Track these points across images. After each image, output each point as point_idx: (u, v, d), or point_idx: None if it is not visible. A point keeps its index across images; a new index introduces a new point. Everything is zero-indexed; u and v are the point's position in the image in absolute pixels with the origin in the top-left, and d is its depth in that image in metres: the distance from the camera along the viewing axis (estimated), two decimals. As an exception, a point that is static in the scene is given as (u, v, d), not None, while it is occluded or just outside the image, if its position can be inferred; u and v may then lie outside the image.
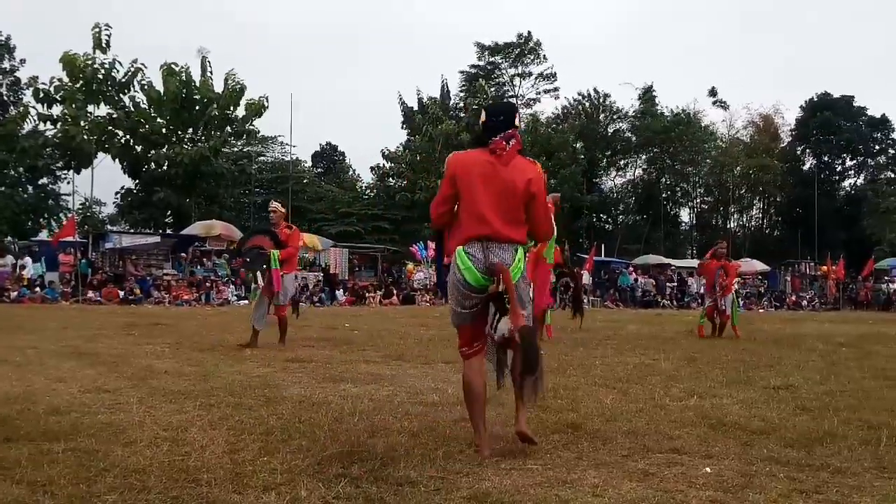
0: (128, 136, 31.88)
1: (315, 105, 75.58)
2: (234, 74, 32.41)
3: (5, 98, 36.19)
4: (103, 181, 51.26)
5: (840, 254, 37.28)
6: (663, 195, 49.65)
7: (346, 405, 5.22)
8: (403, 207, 38.88)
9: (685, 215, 53.42)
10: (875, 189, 47.67)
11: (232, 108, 32.71)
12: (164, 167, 31.93)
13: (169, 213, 34.41)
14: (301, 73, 78.20)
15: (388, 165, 41.55)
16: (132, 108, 31.58)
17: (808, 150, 50.64)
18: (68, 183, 34.14)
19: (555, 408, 5.30)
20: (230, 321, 9.85)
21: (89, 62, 29.88)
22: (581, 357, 8.76)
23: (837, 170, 50.62)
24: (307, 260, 29.81)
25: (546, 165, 40.65)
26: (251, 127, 34.48)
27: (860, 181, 51.00)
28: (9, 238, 28.62)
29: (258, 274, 9.42)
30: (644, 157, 49.94)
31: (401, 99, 44.49)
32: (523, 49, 48.75)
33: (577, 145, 43.26)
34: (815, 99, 49.35)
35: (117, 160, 31.97)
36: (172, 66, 31.56)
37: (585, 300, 25.60)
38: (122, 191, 35.45)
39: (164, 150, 31.76)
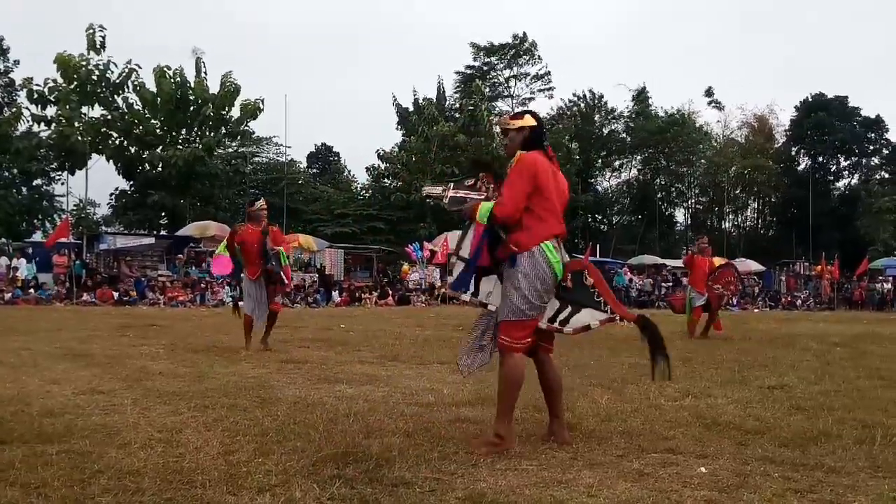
0: (122, 138, 31.82)
1: (310, 106, 75.58)
2: (230, 74, 32.43)
3: (-1, 99, 36.13)
4: (98, 182, 51.21)
5: (835, 254, 37.35)
6: (658, 195, 49.74)
7: (342, 406, 5.21)
8: (399, 208, 38.86)
9: (680, 216, 53.61)
10: (868, 189, 47.80)
11: (227, 109, 32.69)
12: (159, 168, 31.87)
13: (163, 214, 34.37)
14: (296, 73, 78.23)
15: (383, 166, 41.55)
16: (126, 110, 31.53)
17: (802, 151, 50.73)
18: (62, 184, 34.18)
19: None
20: (225, 322, 9.84)
21: (83, 63, 29.83)
22: (576, 357, 8.75)
23: (832, 170, 50.75)
24: (302, 261, 29.80)
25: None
26: (246, 128, 34.49)
27: (854, 181, 51.16)
28: (3, 239, 28.55)
29: (282, 274, 9.42)
30: (639, 157, 50.06)
31: (395, 100, 44.57)
32: (518, 50, 48.80)
33: (573, 145, 43.26)
34: (810, 99, 49.47)
35: (111, 161, 31.93)
36: (165, 68, 31.54)
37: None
38: (117, 192, 35.39)
39: (159, 150, 31.72)
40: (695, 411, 5.26)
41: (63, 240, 23.61)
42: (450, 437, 4.31)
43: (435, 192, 4.39)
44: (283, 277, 9.37)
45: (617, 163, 50.27)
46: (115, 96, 31.24)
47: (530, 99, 50.02)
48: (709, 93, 51.77)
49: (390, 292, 28.33)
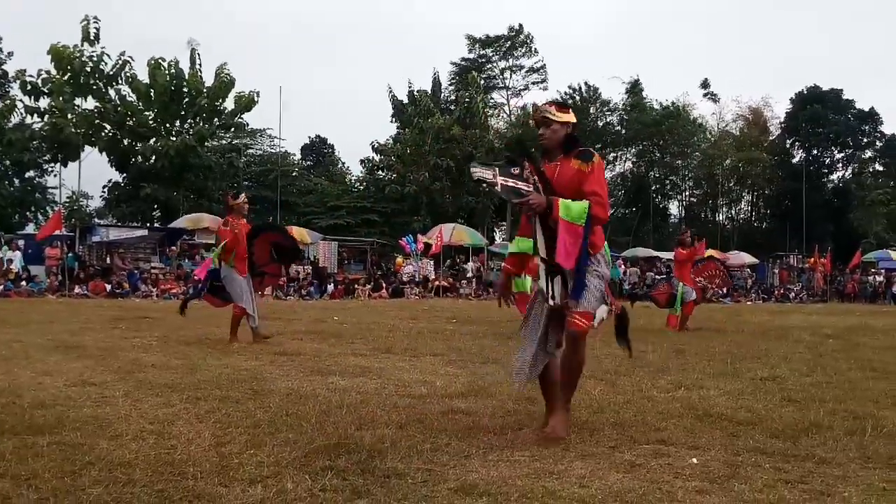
0: (115, 130, 31.69)
1: (305, 98, 75.28)
2: (225, 66, 32.30)
3: (-8, 90, 35.92)
4: (91, 174, 51.07)
5: (828, 246, 37.45)
6: (652, 188, 49.75)
7: (334, 398, 5.21)
8: (393, 200, 38.82)
9: (674, 208, 53.62)
10: (860, 182, 47.91)
11: (221, 101, 32.57)
12: (152, 160, 31.75)
13: (156, 206, 34.25)
14: (291, 65, 77.95)
15: (377, 158, 41.46)
16: (119, 102, 31.40)
17: (797, 143, 50.78)
18: (55, 176, 34.02)
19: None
20: (218, 315, 9.82)
21: (77, 55, 29.68)
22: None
23: (826, 163, 50.83)
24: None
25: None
26: (240, 120, 34.37)
27: (848, 174, 51.26)
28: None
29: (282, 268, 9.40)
30: (633, 150, 50.02)
31: (391, 92, 44.46)
32: (514, 42, 48.73)
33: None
34: (805, 92, 49.51)
35: (105, 153, 31.80)
36: (160, 60, 31.41)
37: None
38: (110, 184, 35.26)
39: (152, 142, 31.60)
40: (687, 403, 5.27)
41: (56, 232, 23.51)
42: (442, 428, 4.31)
43: (486, 176, 4.08)
44: (282, 270, 9.34)
45: (611, 155, 50.23)
46: (109, 88, 31.08)
47: (525, 89, 50.06)
48: (705, 85, 51.79)
49: (384, 285, 28.32)
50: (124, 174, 33.53)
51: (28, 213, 35.35)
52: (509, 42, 48.76)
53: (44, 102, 30.09)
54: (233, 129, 36.33)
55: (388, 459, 3.60)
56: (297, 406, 4.87)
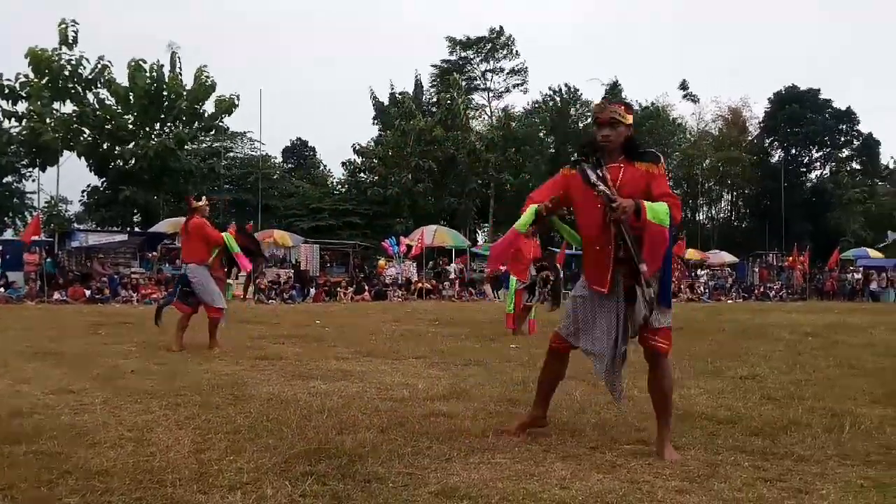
0: (94, 134, 31.43)
1: (285, 100, 75.09)
2: (205, 68, 32.12)
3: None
4: (70, 179, 50.62)
5: (807, 245, 37.81)
6: (633, 188, 49.91)
7: (315, 402, 5.19)
8: (375, 202, 38.75)
9: (655, 208, 53.76)
10: (837, 181, 48.41)
11: (201, 104, 32.39)
12: (131, 163, 31.52)
13: (136, 210, 34.00)
14: (271, 67, 77.67)
15: (359, 160, 41.40)
16: (98, 106, 31.14)
17: (776, 143, 51.22)
18: (33, 181, 33.69)
19: (524, 401, 5.31)
20: (199, 319, 9.72)
21: (56, 58, 29.42)
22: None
23: (804, 162, 51.30)
24: (278, 256, 29.62)
25: (515, 158, 40.87)
26: (220, 123, 34.19)
27: (826, 173, 51.76)
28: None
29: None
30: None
31: (373, 94, 44.40)
32: (495, 44, 48.79)
33: (549, 139, 43.31)
34: (783, 92, 49.94)
35: (83, 158, 31.53)
36: (140, 62, 31.19)
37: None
38: (89, 188, 34.97)
39: (132, 146, 31.37)
40: (668, 402, 5.29)
41: (34, 238, 23.24)
42: (423, 431, 4.31)
43: (592, 177, 3.85)
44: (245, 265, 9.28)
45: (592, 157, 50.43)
46: (88, 92, 30.82)
47: (506, 91, 50.14)
48: (683, 86, 52.12)
49: (367, 287, 28.24)
50: (103, 178, 33.27)
51: (6, 219, 35.00)
52: (490, 44, 48.81)
53: (21, 106, 29.82)
54: (213, 133, 36.13)
55: (368, 464, 3.59)
56: (278, 411, 4.84)
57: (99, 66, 30.38)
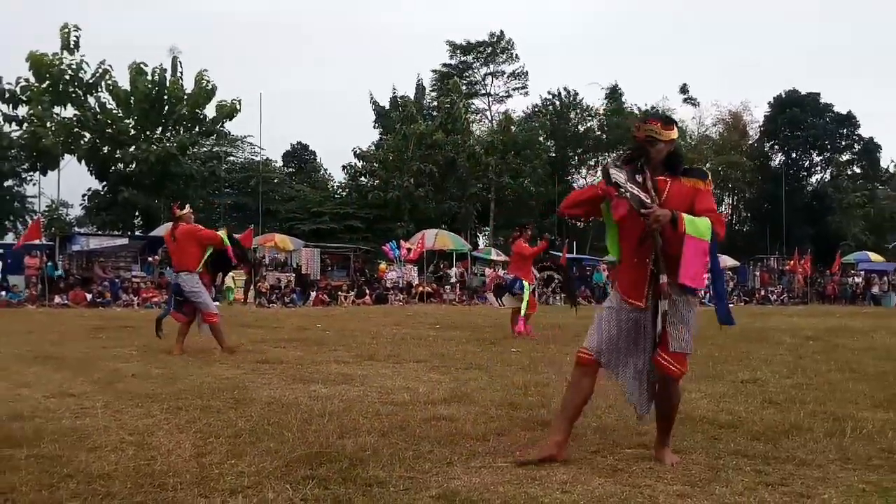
0: (95, 138, 31.46)
1: (286, 104, 75.10)
2: (206, 73, 32.17)
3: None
4: (70, 183, 50.66)
5: (807, 249, 37.79)
6: (634, 192, 49.86)
7: (316, 406, 5.18)
8: (376, 206, 38.77)
9: (656, 212, 53.71)
10: (837, 185, 48.39)
11: (202, 108, 32.42)
12: (132, 166, 31.54)
13: (137, 214, 34.02)
14: (272, 71, 77.68)
15: (360, 164, 41.41)
16: (98, 110, 31.18)
17: (776, 147, 51.21)
18: (34, 185, 33.72)
19: (525, 405, 5.32)
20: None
21: (57, 63, 29.46)
22: (552, 353, 8.80)
23: (805, 166, 51.29)
24: (278, 260, 29.63)
25: (515, 162, 40.87)
26: (221, 128, 34.22)
27: (826, 177, 51.74)
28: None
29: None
30: (614, 154, 50.16)
31: (372, 98, 44.44)
32: (495, 48, 48.80)
33: (549, 143, 43.33)
34: (783, 96, 49.95)
35: (84, 162, 31.57)
36: (142, 65, 31.24)
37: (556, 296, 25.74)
38: (89, 192, 34.97)
39: (132, 149, 31.39)
40: (669, 406, 5.28)
41: (35, 241, 23.27)
42: (425, 435, 4.30)
43: (620, 179, 3.72)
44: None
45: (593, 160, 50.43)
46: (88, 96, 30.86)
47: (507, 95, 50.16)
48: (683, 90, 52.12)
49: (368, 291, 28.25)
50: (104, 182, 33.29)
51: (7, 223, 35.00)
52: (490, 48, 48.83)
53: (22, 110, 29.90)
54: (214, 137, 36.15)
55: (369, 467, 3.58)
56: (279, 415, 4.84)
57: (100, 70, 30.43)
